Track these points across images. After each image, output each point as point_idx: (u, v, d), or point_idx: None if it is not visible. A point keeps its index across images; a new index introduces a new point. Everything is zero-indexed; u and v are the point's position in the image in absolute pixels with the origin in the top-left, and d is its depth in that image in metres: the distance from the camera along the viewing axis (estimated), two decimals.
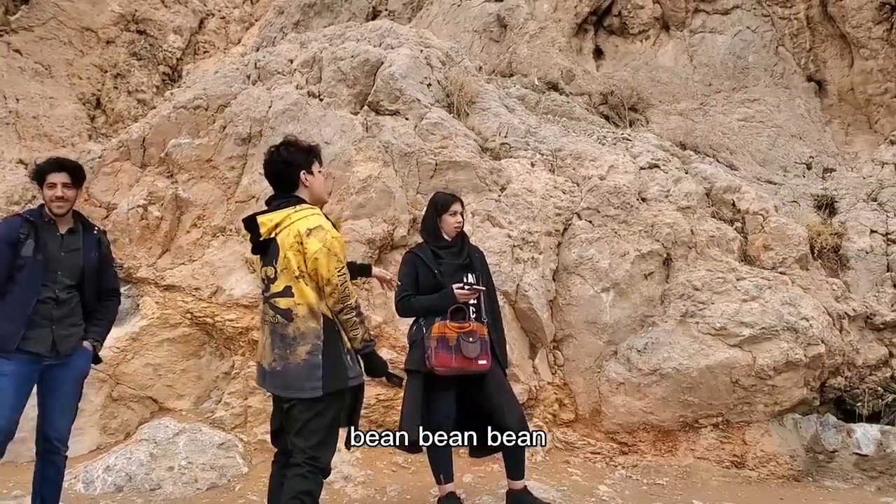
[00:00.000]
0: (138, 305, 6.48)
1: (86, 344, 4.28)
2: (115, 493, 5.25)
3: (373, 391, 5.76)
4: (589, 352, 6.29)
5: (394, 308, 4.97)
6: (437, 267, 4.79)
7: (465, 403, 4.81)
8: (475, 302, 4.79)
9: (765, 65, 9.38)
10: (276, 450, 3.93)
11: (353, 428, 3.82)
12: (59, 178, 4.16)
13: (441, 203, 4.99)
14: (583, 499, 5.28)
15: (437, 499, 4.86)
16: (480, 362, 4.63)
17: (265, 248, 3.69)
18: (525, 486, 4.89)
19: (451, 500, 4.74)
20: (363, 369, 3.81)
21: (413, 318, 4.87)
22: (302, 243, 3.56)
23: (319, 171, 3.85)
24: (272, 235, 3.64)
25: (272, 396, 3.89)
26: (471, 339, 4.63)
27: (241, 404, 6.16)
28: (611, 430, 6.20)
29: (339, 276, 3.59)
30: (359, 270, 4.50)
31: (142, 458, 5.54)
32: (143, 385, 6.26)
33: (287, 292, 3.62)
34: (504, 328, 5.17)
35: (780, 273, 6.53)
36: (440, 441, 4.72)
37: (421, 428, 4.63)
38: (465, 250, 4.96)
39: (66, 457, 4.34)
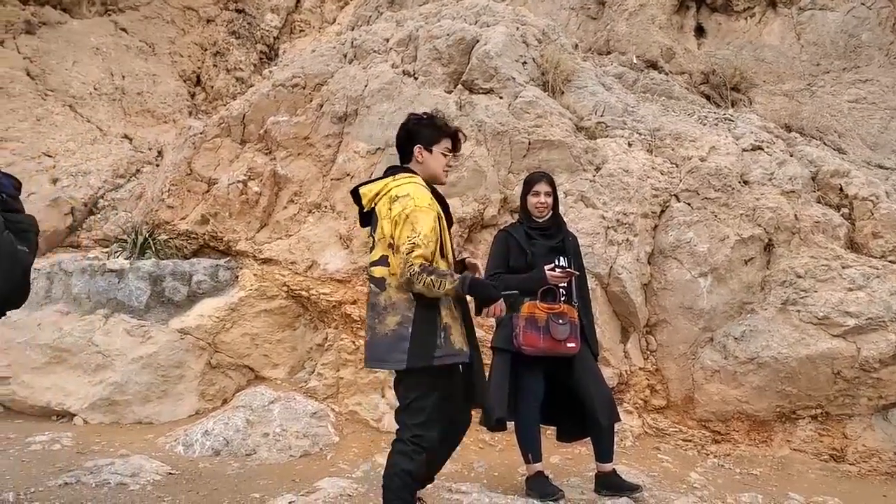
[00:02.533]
0: (237, 277, 6.68)
1: None
2: (212, 457, 5.43)
3: None
4: (683, 338, 6.15)
5: None
6: (530, 247, 4.76)
7: (553, 386, 4.78)
8: (565, 285, 4.74)
9: (879, 43, 8.89)
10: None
11: (484, 406, 3.73)
12: None
13: (526, 182, 4.97)
14: (673, 485, 5.19)
15: (524, 477, 4.86)
16: (569, 345, 4.60)
17: (369, 219, 3.72)
18: (614, 469, 4.84)
19: (539, 479, 4.73)
20: (479, 304, 3.65)
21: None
22: (391, 210, 3.54)
23: (443, 153, 3.76)
24: (373, 205, 3.66)
25: None
26: (560, 321, 4.59)
27: (334, 375, 6.29)
28: (703, 417, 6.07)
29: (408, 243, 3.41)
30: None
31: (238, 424, 5.72)
32: (241, 354, 6.45)
33: (382, 261, 3.58)
34: (595, 313, 5.11)
35: (890, 262, 6.22)
36: (529, 420, 4.73)
37: (507, 406, 4.64)
38: (560, 233, 4.90)
39: None
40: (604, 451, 4.80)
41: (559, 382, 4.77)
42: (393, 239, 3.52)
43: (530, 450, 4.77)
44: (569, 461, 5.55)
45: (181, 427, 5.89)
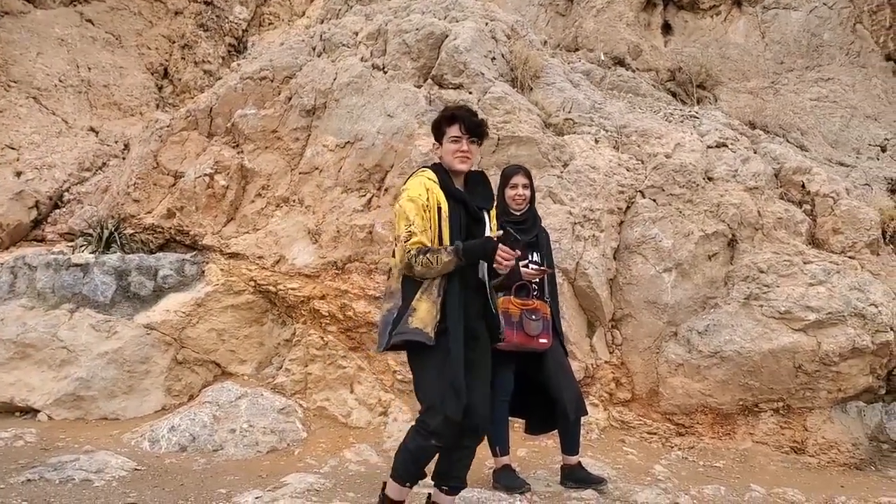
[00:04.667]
0: (204, 272, 6.64)
1: None
2: (179, 453, 5.41)
3: None
4: (648, 332, 6.23)
5: None
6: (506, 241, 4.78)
7: (522, 380, 4.83)
8: (538, 281, 4.79)
9: (840, 43, 9.07)
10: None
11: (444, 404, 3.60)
12: None
13: (503, 175, 4.98)
14: (638, 477, 5.25)
15: (492, 471, 4.90)
16: (541, 341, 4.66)
17: None
18: (579, 462, 4.91)
19: (506, 472, 4.78)
20: (485, 273, 3.77)
21: None
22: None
23: (451, 141, 3.79)
24: None
25: None
26: (534, 317, 4.65)
27: (302, 371, 6.28)
28: (668, 410, 6.15)
29: (405, 233, 3.58)
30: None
31: (205, 420, 5.70)
32: (207, 349, 6.42)
33: (393, 252, 3.76)
34: (561, 307, 5.14)
35: (850, 257, 6.35)
36: (498, 414, 4.76)
37: None
38: (535, 227, 4.94)
39: None
40: (570, 444, 4.87)
41: (528, 377, 4.82)
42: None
43: (498, 443, 4.81)
44: (535, 454, 5.60)
45: (147, 423, 5.86)
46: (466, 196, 3.78)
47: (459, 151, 3.77)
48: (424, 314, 3.57)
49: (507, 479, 4.73)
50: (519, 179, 4.89)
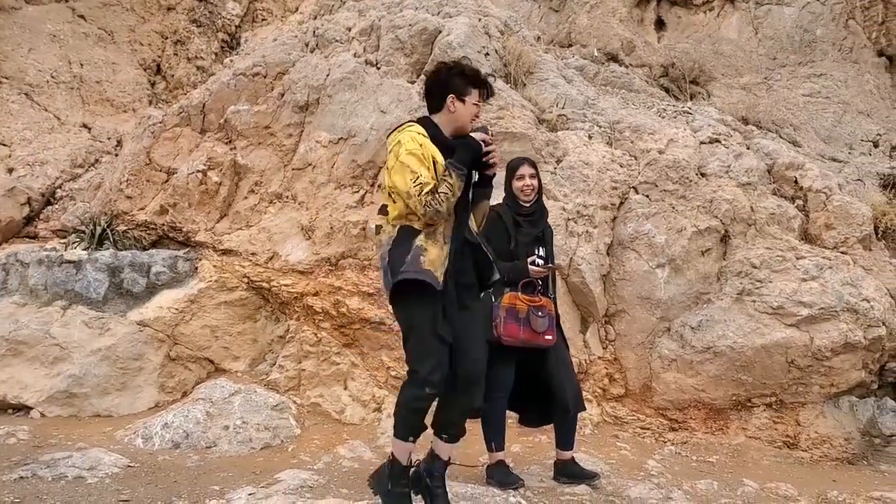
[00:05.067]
0: (196, 268, 6.62)
1: None
2: (172, 450, 5.40)
3: None
4: (641, 327, 6.25)
5: None
6: (516, 235, 4.79)
7: (522, 375, 4.84)
8: (543, 278, 4.79)
9: (833, 38, 9.08)
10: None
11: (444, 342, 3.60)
12: None
13: (509, 168, 4.98)
14: (631, 472, 5.27)
15: (485, 466, 4.91)
16: (547, 337, 4.66)
17: None
18: (573, 457, 4.92)
19: (500, 467, 4.78)
20: (479, 181, 3.77)
21: None
22: (387, 161, 3.65)
23: (475, 103, 3.79)
24: None
25: None
26: (540, 314, 4.65)
27: (295, 367, 6.28)
28: (661, 406, 6.17)
29: (415, 186, 3.51)
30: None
31: (198, 417, 5.69)
32: (201, 346, 6.41)
33: (383, 210, 3.72)
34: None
35: (842, 253, 6.37)
36: (497, 410, 4.78)
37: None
38: (543, 219, 4.95)
39: None
40: (566, 439, 4.89)
41: (528, 371, 4.82)
42: (391, 188, 3.62)
43: (494, 439, 4.82)
44: (529, 449, 5.61)
45: (140, 420, 5.84)
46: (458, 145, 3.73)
47: (475, 117, 3.81)
48: (435, 257, 3.57)
49: (500, 475, 4.74)
50: (525, 170, 4.89)
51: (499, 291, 4.64)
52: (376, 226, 3.80)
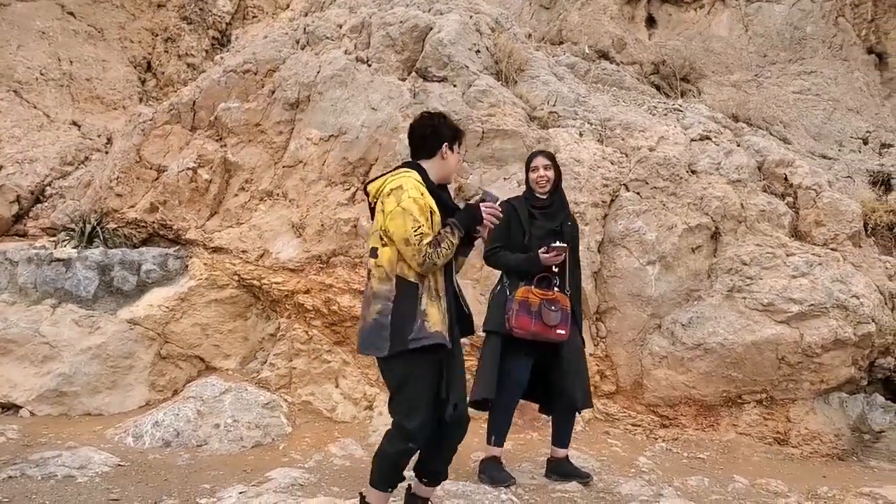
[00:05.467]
0: (187, 266, 6.60)
1: None
2: (162, 448, 5.39)
3: None
4: (632, 324, 6.25)
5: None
6: (530, 228, 4.80)
7: (537, 370, 4.86)
8: (557, 270, 4.75)
9: (823, 36, 9.11)
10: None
11: (448, 401, 3.63)
12: None
13: (526, 162, 5.03)
14: (622, 469, 5.28)
15: (479, 460, 4.91)
16: (559, 331, 4.67)
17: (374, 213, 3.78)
18: (567, 456, 4.93)
19: (493, 463, 4.80)
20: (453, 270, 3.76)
21: (498, 279, 4.98)
22: (384, 204, 3.60)
23: (458, 153, 3.87)
24: (376, 200, 3.72)
25: None
26: (553, 308, 4.66)
27: (286, 366, 6.27)
28: (652, 403, 6.18)
29: (415, 235, 3.50)
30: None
31: (189, 415, 5.67)
32: (191, 344, 6.39)
33: (373, 253, 3.67)
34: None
35: (832, 250, 6.40)
36: (507, 404, 4.81)
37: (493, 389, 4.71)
38: (562, 213, 4.93)
39: None
40: (563, 437, 4.93)
41: (540, 365, 4.85)
42: (384, 231, 3.59)
43: (496, 433, 4.84)
44: (520, 447, 5.62)
45: (131, 418, 5.82)
46: (455, 206, 3.82)
47: (459, 166, 3.89)
48: (437, 318, 3.58)
49: (492, 471, 4.75)
50: (539, 161, 4.91)
51: (514, 285, 4.69)
52: (369, 269, 3.72)
